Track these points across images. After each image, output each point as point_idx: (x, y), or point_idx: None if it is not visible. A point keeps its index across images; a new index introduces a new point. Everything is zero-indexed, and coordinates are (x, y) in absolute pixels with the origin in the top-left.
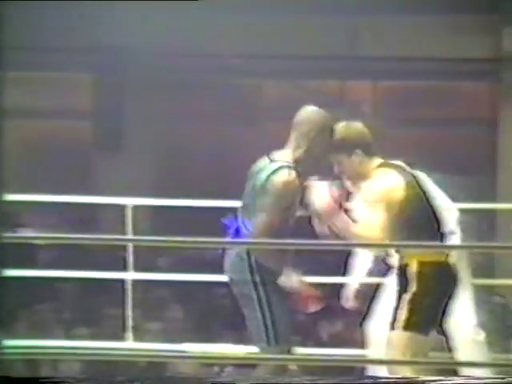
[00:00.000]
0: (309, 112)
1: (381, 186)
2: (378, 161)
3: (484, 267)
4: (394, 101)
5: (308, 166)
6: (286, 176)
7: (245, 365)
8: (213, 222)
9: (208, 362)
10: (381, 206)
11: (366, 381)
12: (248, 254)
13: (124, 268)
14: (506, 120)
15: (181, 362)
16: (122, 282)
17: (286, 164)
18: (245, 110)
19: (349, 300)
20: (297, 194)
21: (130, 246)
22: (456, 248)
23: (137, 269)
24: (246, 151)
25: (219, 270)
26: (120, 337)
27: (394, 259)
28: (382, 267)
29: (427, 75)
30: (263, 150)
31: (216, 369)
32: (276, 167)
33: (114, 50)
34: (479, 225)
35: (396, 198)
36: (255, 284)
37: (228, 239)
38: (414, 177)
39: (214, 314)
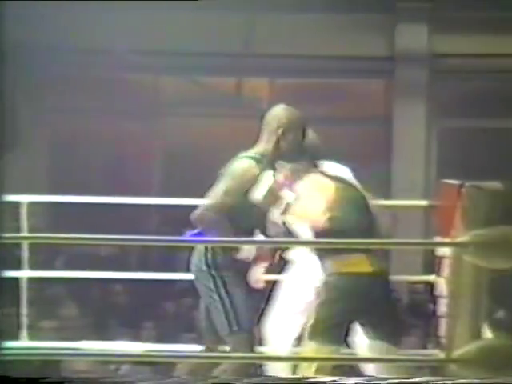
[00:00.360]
0: (279, 110)
1: (313, 182)
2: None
3: None
4: (290, 98)
5: (275, 160)
6: (245, 164)
7: (143, 362)
8: (111, 218)
9: (104, 360)
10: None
11: (362, 381)
12: (205, 248)
13: (19, 266)
14: (400, 116)
15: (76, 360)
16: (16, 280)
17: (250, 155)
18: (141, 105)
19: (258, 281)
20: (252, 184)
21: (25, 243)
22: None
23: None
24: (142, 147)
25: (114, 267)
26: (14, 336)
27: (293, 254)
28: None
29: (323, 73)
30: (160, 146)
31: (112, 367)
32: (240, 156)
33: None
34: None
35: (326, 195)
36: (213, 276)
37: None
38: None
39: (110, 312)
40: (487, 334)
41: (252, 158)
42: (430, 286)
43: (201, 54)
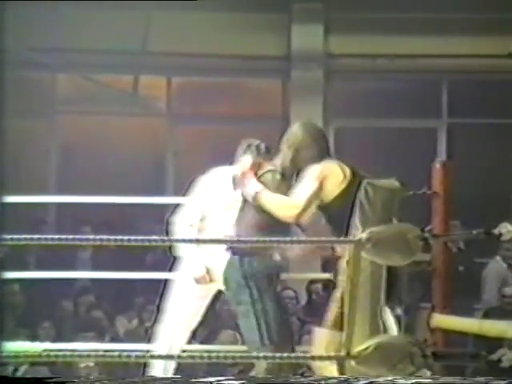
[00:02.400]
0: (297, 127)
1: (320, 168)
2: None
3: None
4: (187, 97)
5: (291, 172)
6: (269, 178)
7: (40, 363)
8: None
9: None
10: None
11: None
12: (241, 261)
13: None
14: (297, 116)
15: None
16: None
17: (273, 168)
18: (37, 103)
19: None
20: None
21: None
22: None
23: None
24: (38, 145)
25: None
26: None
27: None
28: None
29: (220, 72)
30: (56, 144)
31: (11, 368)
32: (264, 171)
33: None
34: None
35: (329, 182)
36: (250, 288)
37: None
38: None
39: (5, 312)
40: (385, 330)
41: (276, 171)
42: (332, 284)
43: (97, 51)
